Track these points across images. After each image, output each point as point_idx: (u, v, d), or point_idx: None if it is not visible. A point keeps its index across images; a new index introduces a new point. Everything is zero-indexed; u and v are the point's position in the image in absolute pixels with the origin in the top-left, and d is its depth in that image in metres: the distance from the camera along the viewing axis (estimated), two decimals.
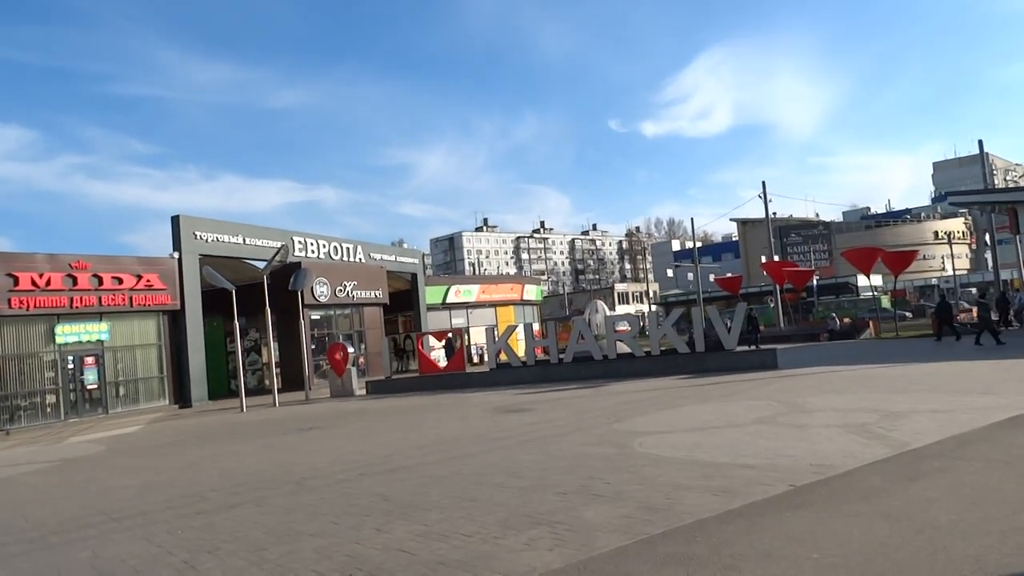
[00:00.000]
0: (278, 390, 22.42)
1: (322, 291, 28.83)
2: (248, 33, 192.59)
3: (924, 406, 9.06)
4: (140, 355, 24.82)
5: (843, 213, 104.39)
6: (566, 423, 10.68)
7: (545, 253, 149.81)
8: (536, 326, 40.11)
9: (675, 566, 3.99)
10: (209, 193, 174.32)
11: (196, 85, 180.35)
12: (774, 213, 59.91)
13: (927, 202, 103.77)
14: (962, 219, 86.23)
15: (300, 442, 11.82)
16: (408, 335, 36.89)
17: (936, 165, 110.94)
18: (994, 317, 30.60)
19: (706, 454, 7.16)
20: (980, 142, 33.75)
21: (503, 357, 21.69)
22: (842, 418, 8.62)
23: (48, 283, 21.94)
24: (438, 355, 26.86)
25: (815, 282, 53.89)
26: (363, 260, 33.13)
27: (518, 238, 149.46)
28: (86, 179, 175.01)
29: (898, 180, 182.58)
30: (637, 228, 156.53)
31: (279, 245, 24.91)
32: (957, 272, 63.51)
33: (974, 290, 62.22)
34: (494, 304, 42.19)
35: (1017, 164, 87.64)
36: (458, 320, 39.11)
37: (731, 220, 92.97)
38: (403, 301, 36.89)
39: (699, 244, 75.68)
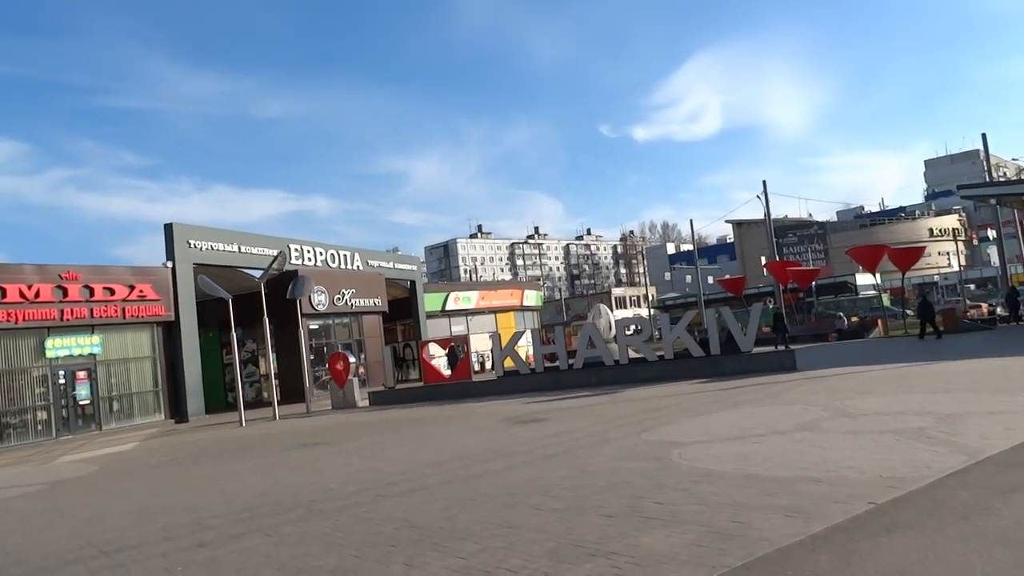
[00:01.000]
0: (277, 402, 21.69)
1: (320, 300, 28.15)
2: (237, 44, 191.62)
3: (975, 407, 8.49)
4: (134, 368, 24.05)
5: (837, 212, 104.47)
6: (589, 434, 10.04)
7: (540, 259, 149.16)
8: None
9: None
10: (201, 204, 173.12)
11: (186, 96, 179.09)
12: None
13: (920, 199, 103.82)
14: (956, 216, 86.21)
15: (306, 459, 11.13)
16: (407, 343, 36.22)
17: (928, 163, 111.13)
18: (1003, 313, 30.34)
19: (758, 467, 6.52)
20: (984, 135, 33.33)
21: (509, 364, 21.04)
22: (893, 422, 8.02)
23: (37, 295, 21.21)
24: (440, 364, 26.16)
25: (814, 282, 53.55)
26: (360, 268, 32.46)
27: (513, 244, 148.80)
28: (77, 192, 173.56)
29: (889, 178, 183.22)
30: (631, 232, 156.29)
31: (275, 253, 24.22)
32: (954, 269, 63.27)
33: (972, 286, 62.26)
34: (494, 310, 41.56)
35: (1014, 159, 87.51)
36: (458, 327, 38.39)
37: (727, 222, 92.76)
38: (401, 309, 36.22)
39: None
